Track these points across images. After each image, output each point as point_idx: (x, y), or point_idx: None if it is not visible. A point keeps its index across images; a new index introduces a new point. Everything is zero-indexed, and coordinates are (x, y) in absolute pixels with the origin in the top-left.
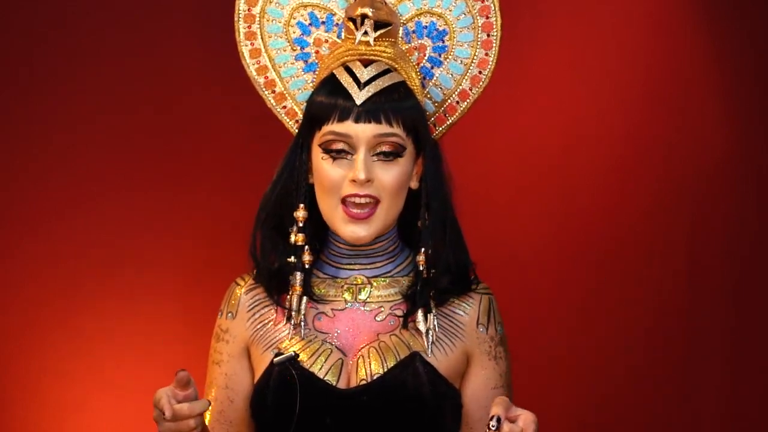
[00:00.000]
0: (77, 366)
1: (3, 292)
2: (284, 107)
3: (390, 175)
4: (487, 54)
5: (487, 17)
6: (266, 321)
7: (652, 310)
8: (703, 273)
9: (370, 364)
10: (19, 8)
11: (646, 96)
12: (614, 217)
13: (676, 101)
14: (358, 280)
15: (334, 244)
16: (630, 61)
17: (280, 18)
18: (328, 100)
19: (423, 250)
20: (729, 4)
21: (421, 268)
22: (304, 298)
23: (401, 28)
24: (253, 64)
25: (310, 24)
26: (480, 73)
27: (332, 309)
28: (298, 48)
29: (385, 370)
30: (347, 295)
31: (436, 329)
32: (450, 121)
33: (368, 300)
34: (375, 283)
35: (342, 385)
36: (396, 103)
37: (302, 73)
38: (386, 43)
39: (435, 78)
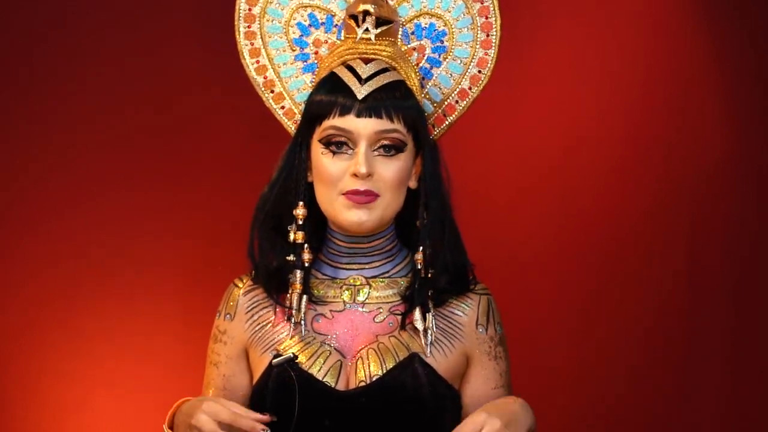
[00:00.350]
0: (77, 366)
1: (3, 292)
2: (282, 107)
3: (390, 170)
4: (486, 53)
5: (487, 17)
6: (265, 322)
7: (652, 310)
8: (703, 273)
9: (369, 365)
10: (19, 8)
11: (646, 96)
12: (614, 217)
13: (676, 101)
14: (357, 280)
15: (333, 243)
16: (630, 62)
17: (280, 18)
18: (329, 96)
19: (421, 249)
20: (729, 4)
21: (419, 267)
22: (304, 297)
23: (400, 29)
24: (253, 64)
25: (309, 25)
26: (479, 72)
27: (331, 310)
28: (298, 48)
29: (384, 371)
30: (346, 297)
31: (434, 329)
32: (449, 121)
33: (367, 301)
34: (373, 284)
35: (341, 386)
36: (397, 100)
37: (301, 73)
38: (386, 43)
39: (434, 78)
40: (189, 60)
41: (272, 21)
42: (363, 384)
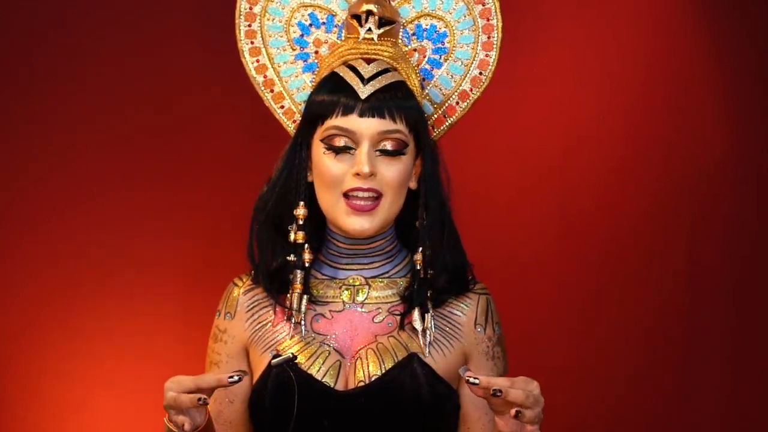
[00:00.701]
0: (77, 366)
1: (3, 292)
2: (282, 107)
3: (392, 171)
4: (487, 55)
5: (488, 19)
6: (265, 322)
7: (652, 310)
8: (703, 273)
9: (368, 365)
10: (19, 8)
11: (646, 96)
12: (614, 217)
13: (676, 101)
14: (357, 280)
15: (333, 243)
16: (630, 62)
17: (281, 17)
18: (331, 96)
19: (421, 249)
20: (729, 4)
21: (418, 268)
22: (305, 297)
23: (401, 30)
24: (253, 63)
25: (310, 24)
26: (480, 74)
27: (330, 311)
28: (298, 48)
29: (383, 371)
30: (345, 297)
31: (433, 329)
32: (449, 122)
33: (366, 301)
34: (373, 285)
35: (340, 387)
36: (399, 100)
37: (301, 72)
38: (388, 43)
39: (434, 79)
40: (189, 60)
41: (273, 20)
42: (362, 384)
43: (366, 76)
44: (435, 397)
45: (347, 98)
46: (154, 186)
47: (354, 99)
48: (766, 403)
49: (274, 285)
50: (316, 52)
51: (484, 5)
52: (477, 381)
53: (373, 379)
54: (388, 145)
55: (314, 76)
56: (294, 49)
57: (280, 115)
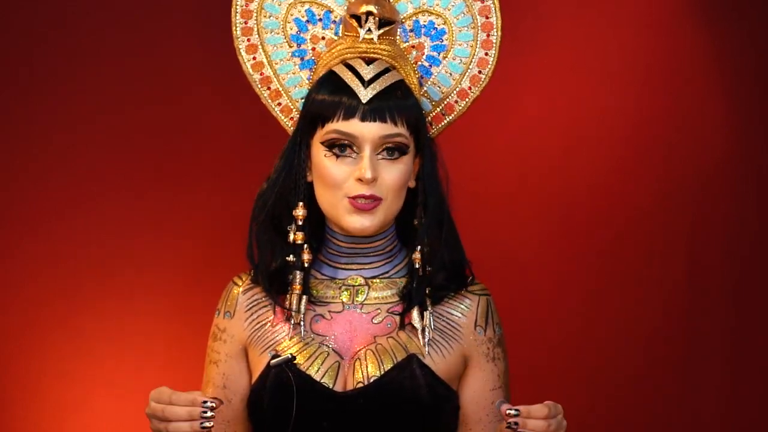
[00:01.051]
0: (77, 366)
1: (3, 292)
2: (279, 104)
3: (393, 174)
4: (486, 54)
5: (487, 17)
6: (264, 322)
7: (652, 310)
8: (703, 273)
9: (366, 366)
10: (19, 8)
11: (646, 96)
12: (614, 217)
13: (676, 101)
14: (356, 281)
15: (333, 243)
16: (630, 62)
17: (277, 14)
18: (332, 97)
19: (419, 248)
20: (729, 4)
21: (416, 266)
22: (304, 298)
23: (399, 27)
24: (249, 60)
25: (307, 21)
26: (480, 72)
27: (329, 311)
28: (295, 45)
29: (382, 372)
30: (344, 297)
31: (432, 328)
32: (448, 120)
33: (365, 302)
34: (372, 285)
35: (339, 388)
36: (399, 101)
37: (298, 70)
38: (386, 42)
39: (433, 77)
40: (189, 60)
41: (269, 17)
42: (361, 385)
43: (366, 78)
44: (434, 398)
45: (348, 101)
46: (154, 186)
47: (355, 102)
48: (766, 403)
49: (274, 285)
50: (313, 49)
51: (483, 2)
52: (517, 412)
53: (372, 380)
54: (390, 149)
55: (311, 74)
56: (291, 46)
57: (278, 112)
